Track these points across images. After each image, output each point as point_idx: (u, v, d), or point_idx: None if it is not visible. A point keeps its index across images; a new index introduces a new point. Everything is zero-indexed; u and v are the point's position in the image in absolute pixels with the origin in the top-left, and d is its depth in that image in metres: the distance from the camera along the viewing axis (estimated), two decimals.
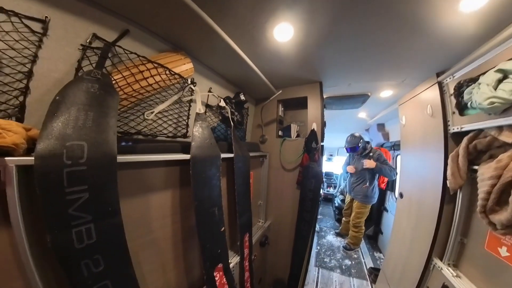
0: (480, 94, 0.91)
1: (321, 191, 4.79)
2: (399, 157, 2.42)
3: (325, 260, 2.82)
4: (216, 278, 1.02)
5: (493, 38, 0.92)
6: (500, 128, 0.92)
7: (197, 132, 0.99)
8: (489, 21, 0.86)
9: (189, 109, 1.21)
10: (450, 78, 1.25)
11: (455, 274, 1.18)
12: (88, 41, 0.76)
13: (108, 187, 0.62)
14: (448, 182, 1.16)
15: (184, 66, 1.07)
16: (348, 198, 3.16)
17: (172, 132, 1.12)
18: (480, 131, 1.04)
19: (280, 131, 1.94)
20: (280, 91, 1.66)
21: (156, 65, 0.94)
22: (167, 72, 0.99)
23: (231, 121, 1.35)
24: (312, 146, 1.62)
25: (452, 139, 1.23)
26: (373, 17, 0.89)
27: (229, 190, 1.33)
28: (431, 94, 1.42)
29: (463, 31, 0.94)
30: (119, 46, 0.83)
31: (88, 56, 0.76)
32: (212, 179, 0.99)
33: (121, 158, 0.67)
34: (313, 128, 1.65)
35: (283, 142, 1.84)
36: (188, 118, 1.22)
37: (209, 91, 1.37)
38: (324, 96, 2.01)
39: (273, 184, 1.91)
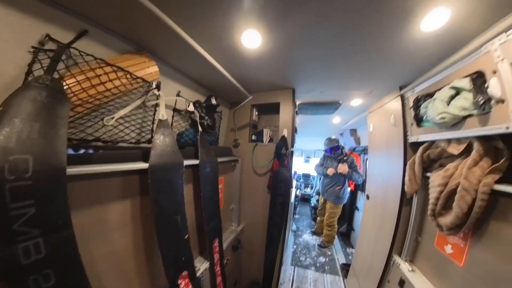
0: (434, 109, 1.01)
1: (299, 192, 4.99)
2: (368, 161, 2.59)
3: (300, 258, 2.91)
4: (181, 286, 1.00)
5: (449, 57, 0.99)
6: (449, 141, 1.03)
7: (158, 140, 0.95)
8: (446, 42, 0.94)
9: (154, 114, 1.14)
10: (411, 92, 1.36)
11: (410, 269, 1.30)
12: (40, 42, 0.69)
13: (57, 201, 0.59)
14: (405, 186, 1.27)
15: (148, 69, 1.01)
16: (321, 199, 3.30)
17: (136, 138, 1.06)
18: (433, 142, 1.16)
19: (253, 136, 1.95)
20: (251, 97, 1.65)
21: (115, 68, 0.86)
22: (128, 76, 0.91)
23: (199, 125, 1.32)
24: (282, 152, 1.65)
25: (410, 147, 1.35)
26: (342, 33, 0.93)
27: (195, 197, 1.29)
28: (394, 105, 1.54)
29: (423, 50, 1.02)
30: (75, 48, 0.76)
31: (40, 60, 0.68)
32: (174, 187, 0.96)
33: (71, 171, 0.63)
34: (284, 135, 1.69)
35: (255, 147, 1.85)
36: (153, 123, 1.14)
37: (178, 95, 1.31)
38: (298, 102, 2.08)
39: (245, 188, 1.91)
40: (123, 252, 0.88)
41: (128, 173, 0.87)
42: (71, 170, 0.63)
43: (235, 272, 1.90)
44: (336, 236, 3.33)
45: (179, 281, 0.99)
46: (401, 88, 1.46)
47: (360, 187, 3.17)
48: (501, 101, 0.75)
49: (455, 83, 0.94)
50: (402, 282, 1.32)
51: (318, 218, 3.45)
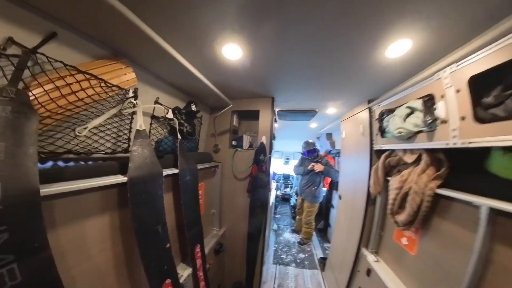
0: (393, 124, 1.17)
1: (279, 192, 5.17)
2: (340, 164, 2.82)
3: (282, 256, 3.04)
4: None
5: (408, 80, 1.16)
6: (404, 151, 1.21)
7: (136, 152, 0.92)
8: (406, 67, 1.09)
9: (131, 122, 1.09)
10: (377, 106, 1.55)
11: (375, 260, 1.49)
12: (1, 46, 0.61)
13: (32, 223, 0.56)
14: (370, 188, 1.44)
15: (125, 77, 0.95)
16: (299, 199, 3.49)
17: (111, 148, 1.01)
18: (393, 151, 1.34)
19: (233, 141, 1.99)
20: (231, 105, 1.69)
21: (88, 76, 0.79)
22: (103, 84, 0.85)
23: (178, 133, 1.30)
24: (260, 158, 1.73)
25: (375, 154, 1.54)
26: (318, 52, 1.01)
27: (176, 205, 1.29)
28: (363, 116, 1.72)
29: (388, 72, 1.17)
30: (42, 54, 0.68)
31: (2, 67, 0.61)
32: (154, 197, 0.96)
33: (45, 191, 0.59)
34: (262, 141, 1.77)
35: (235, 152, 1.90)
36: (130, 131, 1.10)
37: (156, 102, 1.28)
38: (278, 109, 2.18)
39: (226, 193, 1.94)
40: (104, 267, 0.86)
41: (106, 187, 0.83)
42: (46, 190, 0.60)
43: (218, 275, 1.92)
44: (314, 233, 3.54)
45: None
46: (369, 102, 1.64)
47: (335, 186, 3.42)
48: (444, 121, 0.92)
49: (410, 103, 1.12)
50: (369, 271, 1.50)
51: (297, 216, 3.64)
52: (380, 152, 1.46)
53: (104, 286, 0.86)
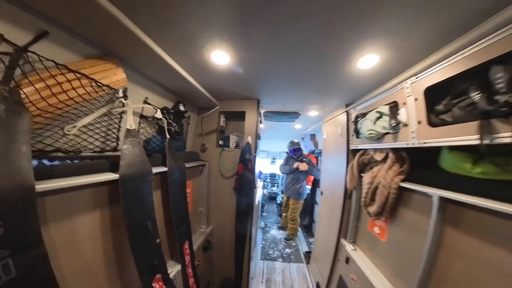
0: (365, 126, 1.31)
1: (266, 191, 5.27)
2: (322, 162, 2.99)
3: (269, 252, 3.13)
4: None
5: (378, 88, 1.30)
6: (375, 150, 1.36)
7: (127, 150, 0.94)
8: (376, 77, 1.23)
9: (120, 121, 1.10)
10: (353, 110, 1.70)
11: (353, 248, 1.63)
12: None
13: (27, 219, 0.57)
14: (347, 184, 1.58)
15: (115, 77, 0.95)
16: (284, 197, 3.63)
17: (100, 147, 1.01)
18: (365, 150, 1.49)
19: (220, 141, 2.04)
20: (218, 106, 1.74)
21: (79, 75, 0.80)
22: (93, 83, 0.84)
23: (167, 132, 1.33)
24: (246, 157, 1.81)
25: (351, 153, 1.69)
26: (299, 61, 1.10)
27: (164, 202, 1.31)
28: (342, 118, 1.87)
29: (361, 80, 1.29)
30: (33, 52, 0.68)
31: None
32: (144, 194, 0.98)
33: (40, 187, 0.61)
34: (248, 141, 1.85)
35: (222, 152, 1.95)
36: (119, 130, 1.10)
37: (145, 102, 1.29)
38: (264, 110, 2.28)
39: (213, 191, 1.99)
40: (96, 263, 0.87)
41: (97, 184, 0.85)
42: (41, 186, 0.61)
43: (208, 272, 1.95)
44: (299, 229, 3.69)
45: (153, 285, 1.02)
46: (347, 106, 1.79)
47: (318, 183, 3.60)
48: (405, 125, 1.06)
49: (379, 109, 1.26)
50: (347, 259, 1.63)
51: (283, 214, 3.76)
52: (356, 151, 1.60)
53: (96, 282, 0.87)
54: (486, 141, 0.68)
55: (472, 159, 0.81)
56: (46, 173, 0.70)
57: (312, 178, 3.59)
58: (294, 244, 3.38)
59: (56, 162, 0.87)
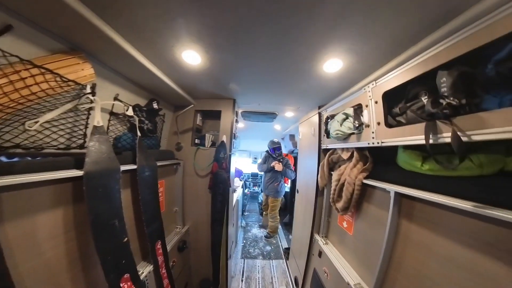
0: (333, 127, 1.36)
1: (247, 190, 5.27)
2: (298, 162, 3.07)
3: (250, 251, 3.12)
4: None
5: (345, 91, 1.35)
6: (342, 149, 1.42)
7: (94, 147, 0.91)
8: (342, 81, 1.27)
9: (87, 118, 1.03)
10: (325, 111, 1.75)
11: (325, 243, 1.68)
12: None
13: None
14: (318, 182, 1.63)
15: (82, 72, 0.92)
16: (264, 196, 3.65)
17: (65, 144, 0.96)
18: (334, 149, 1.54)
19: (197, 139, 1.98)
20: (192, 105, 1.69)
21: (43, 70, 0.76)
22: (58, 78, 0.81)
23: (138, 130, 1.27)
24: (220, 155, 1.78)
25: (322, 153, 1.74)
26: (270, 64, 1.11)
27: (135, 201, 1.24)
28: (315, 120, 1.92)
29: (329, 83, 1.34)
30: None
31: None
32: (110, 192, 0.95)
33: None
34: (223, 140, 1.82)
35: (197, 150, 1.90)
36: (86, 127, 1.03)
37: (116, 98, 1.22)
38: (241, 110, 2.26)
39: (188, 190, 1.92)
40: (57, 262, 0.81)
41: (60, 181, 0.80)
42: None
43: (185, 273, 1.87)
44: (280, 226, 3.74)
45: (122, 285, 0.96)
46: (319, 107, 1.84)
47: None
48: (367, 126, 1.12)
49: (345, 111, 1.31)
50: (320, 253, 1.68)
51: (264, 212, 3.78)
52: (326, 150, 1.66)
53: (57, 283, 0.81)
54: (430, 141, 0.73)
55: (422, 157, 0.88)
56: (4, 169, 0.64)
57: None
58: (274, 241, 3.41)
59: (16, 159, 0.80)
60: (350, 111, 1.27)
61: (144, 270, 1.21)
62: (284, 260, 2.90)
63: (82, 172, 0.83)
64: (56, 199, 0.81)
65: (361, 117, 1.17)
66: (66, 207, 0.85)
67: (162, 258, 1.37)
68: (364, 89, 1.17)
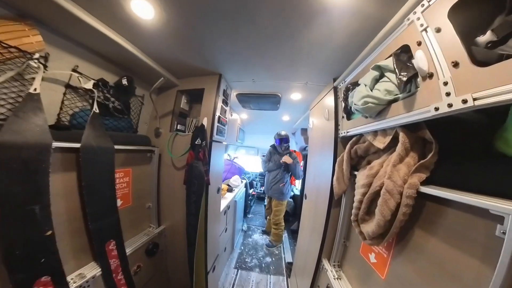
0: (357, 93, 0.78)
1: (252, 190, 4.71)
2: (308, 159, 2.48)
3: (246, 260, 2.59)
4: None
5: (373, 39, 0.82)
6: (375, 133, 0.82)
7: (19, 116, 0.77)
8: (365, 20, 0.77)
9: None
10: (342, 83, 1.17)
11: (336, 277, 1.10)
12: None
13: None
14: (333, 187, 1.04)
15: (28, 39, 0.84)
16: (267, 198, 3.09)
17: (5, 114, 0.84)
18: (361, 136, 0.95)
19: (179, 125, 1.59)
20: (162, 78, 1.29)
21: None
22: None
23: (95, 105, 1.06)
24: (196, 142, 1.30)
25: (341, 143, 1.14)
26: (255, 15, 0.75)
27: (74, 188, 0.99)
28: (329, 99, 1.34)
29: (346, 36, 0.87)
30: None
31: None
32: (33, 170, 0.79)
33: None
34: (203, 123, 1.35)
35: (175, 136, 1.49)
36: None
37: (75, 71, 1.04)
38: (236, 92, 1.78)
39: (165, 184, 1.53)
40: None
41: None
42: None
43: (157, 281, 1.50)
44: (286, 234, 3.15)
45: None
46: (334, 80, 1.26)
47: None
48: (428, 75, 0.53)
49: (379, 63, 0.73)
50: None
51: (268, 216, 3.22)
52: (346, 139, 1.06)
53: None
54: None
55: None
56: None
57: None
58: (277, 252, 2.83)
59: None
60: (387, 62, 0.69)
61: (88, 273, 0.95)
62: (285, 277, 2.32)
63: None
64: None
65: (410, 65, 0.59)
66: None
67: (117, 262, 1.10)
68: (409, 18, 0.63)
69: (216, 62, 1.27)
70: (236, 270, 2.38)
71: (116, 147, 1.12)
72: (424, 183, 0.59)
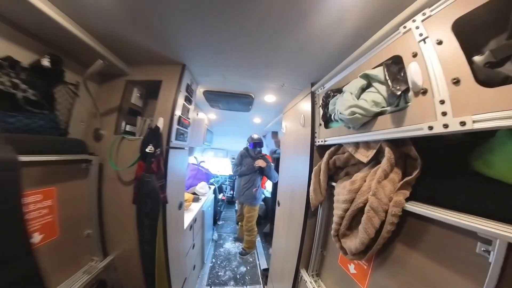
0: (343, 102, 0.74)
1: (222, 195, 4.49)
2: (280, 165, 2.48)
3: (219, 274, 2.42)
4: None
5: (360, 47, 0.79)
6: (357, 145, 0.81)
7: None
8: (355, 30, 0.74)
9: None
10: (321, 88, 1.14)
11: (316, 287, 1.08)
12: None
13: None
14: (310, 197, 1.01)
15: None
16: (238, 204, 2.99)
17: None
18: (340, 146, 0.94)
19: (127, 125, 1.26)
20: (99, 61, 0.97)
21: None
22: None
23: None
24: (148, 150, 1.03)
25: (317, 151, 1.12)
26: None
27: None
28: (305, 104, 1.31)
29: (331, 41, 0.82)
30: None
31: None
32: None
33: None
34: (158, 125, 1.08)
35: (121, 140, 1.17)
36: None
37: None
38: (203, 89, 1.57)
39: (109, 203, 1.19)
40: None
41: None
42: None
43: None
44: (259, 238, 3.09)
45: None
46: (312, 85, 1.24)
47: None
48: (422, 91, 0.52)
49: (367, 72, 0.70)
50: None
51: (239, 223, 3.11)
52: (324, 148, 1.04)
53: None
54: None
55: None
56: None
57: (265, 180, 3.06)
58: (251, 259, 2.74)
59: None
60: (376, 71, 0.67)
61: None
62: (262, 285, 2.27)
63: None
64: None
65: (402, 78, 0.58)
66: None
67: None
68: (405, 26, 0.60)
69: (181, 48, 1.02)
70: (209, 287, 2.19)
71: (27, 158, 0.77)
72: (407, 198, 0.59)
